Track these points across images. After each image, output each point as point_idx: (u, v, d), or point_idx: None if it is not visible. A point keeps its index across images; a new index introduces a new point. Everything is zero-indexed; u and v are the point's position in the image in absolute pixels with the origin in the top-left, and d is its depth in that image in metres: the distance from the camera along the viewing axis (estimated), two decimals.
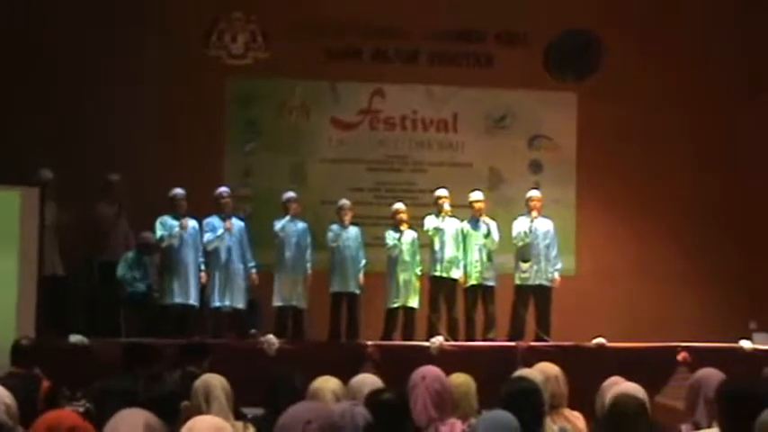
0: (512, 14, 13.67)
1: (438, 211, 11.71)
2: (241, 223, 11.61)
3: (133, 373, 7.03)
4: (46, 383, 6.44)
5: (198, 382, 5.30)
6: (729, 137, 13.88)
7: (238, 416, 5.89)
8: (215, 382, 5.29)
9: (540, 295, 11.73)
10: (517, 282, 11.77)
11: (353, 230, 11.71)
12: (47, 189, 11.10)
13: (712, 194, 13.70)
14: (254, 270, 11.55)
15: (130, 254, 11.49)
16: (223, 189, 11.61)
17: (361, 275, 11.60)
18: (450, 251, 11.65)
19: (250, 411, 6.19)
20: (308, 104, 13.71)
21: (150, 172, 12.29)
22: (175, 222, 11.25)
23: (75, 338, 10.42)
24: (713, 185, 13.71)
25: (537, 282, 11.71)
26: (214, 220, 11.39)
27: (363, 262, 11.66)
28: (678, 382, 10.19)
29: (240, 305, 11.39)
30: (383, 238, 11.72)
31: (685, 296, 13.40)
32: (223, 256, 11.36)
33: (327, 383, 5.01)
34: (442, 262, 11.63)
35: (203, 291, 11.37)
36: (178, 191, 11.36)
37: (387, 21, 13.64)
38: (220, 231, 11.29)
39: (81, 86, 12.64)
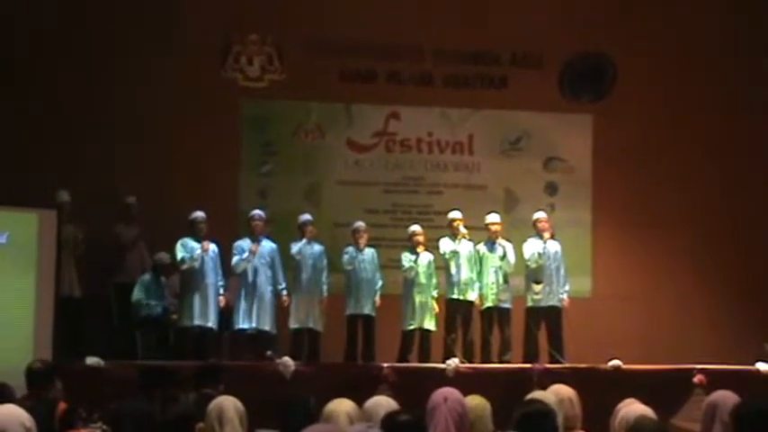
0: (526, 36, 13.70)
1: (453, 234, 11.71)
2: (272, 245, 11.62)
3: (149, 394, 7.05)
4: (62, 405, 6.44)
5: (211, 405, 5.31)
6: (745, 156, 13.86)
7: None
8: (228, 404, 5.29)
9: (551, 316, 11.72)
10: (529, 303, 11.76)
11: (369, 252, 11.70)
12: (64, 211, 11.17)
13: (729, 215, 13.66)
14: (284, 292, 11.53)
15: (146, 276, 11.55)
16: (256, 212, 11.65)
17: (377, 297, 11.60)
18: (465, 273, 11.63)
19: None
20: (324, 126, 13.73)
21: (166, 194, 12.36)
22: (197, 245, 11.26)
23: (91, 360, 10.43)
24: (730, 206, 13.68)
25: (549, 303, 11.70)
26: (243, 243, 11.43)
27: (380, 284, 11.66)
28: (694, 404, 10.15)
29: (266, 327, 11.36)
30: (399, 260, 11.70)
31: (701, 318, 13.35)
32: (250, 277, 11.38)
33: (342, 405, 4.99)
34: (458, 285, 11.61)
35: (222, 313, 11.38)
36: (199, 214, 11.39)
37: (402, 43, 13.69)
38: (246, 254, 11.32)
39: (96, 108, 12.69)
